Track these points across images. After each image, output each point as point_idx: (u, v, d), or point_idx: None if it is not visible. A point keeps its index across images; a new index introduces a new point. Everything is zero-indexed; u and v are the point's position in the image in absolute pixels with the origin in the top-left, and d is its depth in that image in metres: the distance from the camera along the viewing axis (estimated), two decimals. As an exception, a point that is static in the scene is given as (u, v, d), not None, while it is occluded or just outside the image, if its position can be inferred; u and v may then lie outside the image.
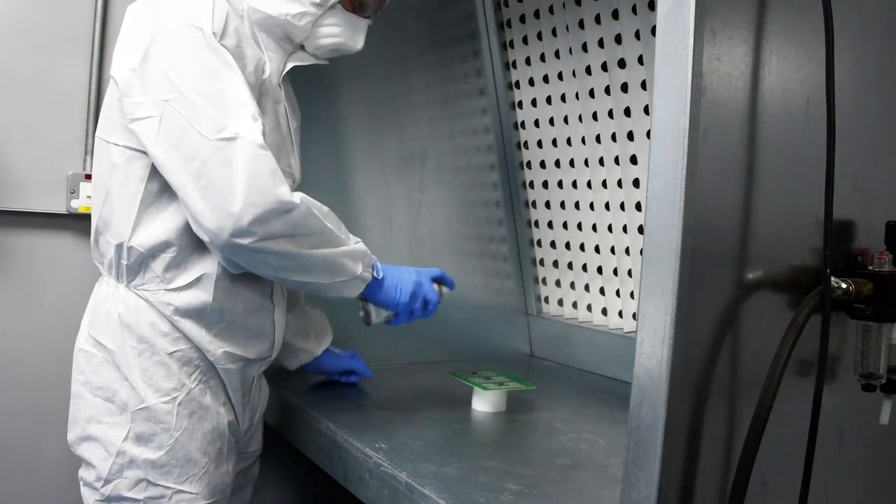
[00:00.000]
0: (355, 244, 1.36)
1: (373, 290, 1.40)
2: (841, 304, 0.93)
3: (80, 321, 1.41)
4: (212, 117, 1.21)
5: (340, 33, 1.43)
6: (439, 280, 1.52)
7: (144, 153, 1.28)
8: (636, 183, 1.91)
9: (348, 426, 1.45)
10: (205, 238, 1.23)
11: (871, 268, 0.97)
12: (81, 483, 1.38)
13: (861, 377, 0.97)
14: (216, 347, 1.36)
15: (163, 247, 1.31)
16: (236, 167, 1.19)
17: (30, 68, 1.76)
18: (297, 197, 1.24)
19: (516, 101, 2.26)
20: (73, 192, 1.79)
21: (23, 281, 1.78)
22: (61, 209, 1.80)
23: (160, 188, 1.30)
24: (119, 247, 1.32)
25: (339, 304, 1.77)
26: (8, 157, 1.75)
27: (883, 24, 1.03)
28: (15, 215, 1.77)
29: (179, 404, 1.32)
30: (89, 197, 1.80)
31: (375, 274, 1.39)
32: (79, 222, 1.84)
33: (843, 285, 0.92)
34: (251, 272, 1.32)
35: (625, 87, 1.87)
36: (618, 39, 1.87)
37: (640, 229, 1.91)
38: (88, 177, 1.81)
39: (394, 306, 1.44)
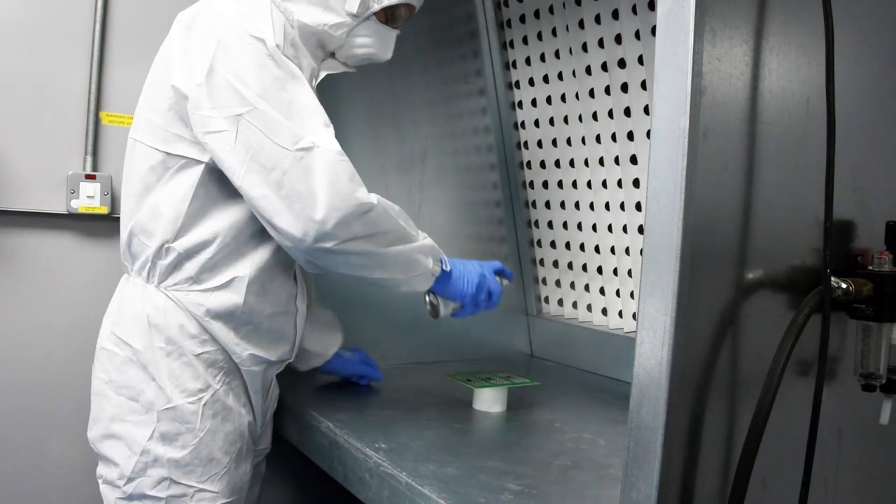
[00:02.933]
0: (424, 239, 1.40)
1: (442, 283, 1.44)
2: (841, 304, 0.93)
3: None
4: (287, 128, 1.23)
5: (373, 44, 1.48)
6: (500, 272, 1.57)
7: (200, 162, 1.31)
8: (636, 183, 1.91)
9: (348, 426, 1.45)
10: (286, 244, 1.26)
11: (871, 268, 0.97)
12: (101, 481, 1.39)
13: (861, 377, 0.97)
14: (242, 349, 1.38)
15: (200, 248, 1.33)
16: (317, 175, 1.22)
17: (30, 68, 1.76)
18: (374, 197, 1.28)
19: (516, 101, 2.26)
20: (73, 192, 1.79)
21: (23, 281, 1.78)
22: (61, 209, 1.80)
23: (206, 195, 1.33)
24: (160, 248, 1.34)
25: (345, 305, 1.78)
26: (8, 157, 1.75)
27: (883, 24, 1.03)
28: (15, 215, 1.77)
29: (205, 405, 1.35)
30: (90, 197, 1.81)
31: (444, 267, 1.43)
32: (79, 222, 1.84)
33: (843, 285, 0.92)
34: (332, 271, 1.34)
35: (625, 87, 1.87)
36: (618, 39, 1.87)
37: (640, 229, 1.91)
38: (88, 177, 1.81)
39: (461, 298, 1.48)
